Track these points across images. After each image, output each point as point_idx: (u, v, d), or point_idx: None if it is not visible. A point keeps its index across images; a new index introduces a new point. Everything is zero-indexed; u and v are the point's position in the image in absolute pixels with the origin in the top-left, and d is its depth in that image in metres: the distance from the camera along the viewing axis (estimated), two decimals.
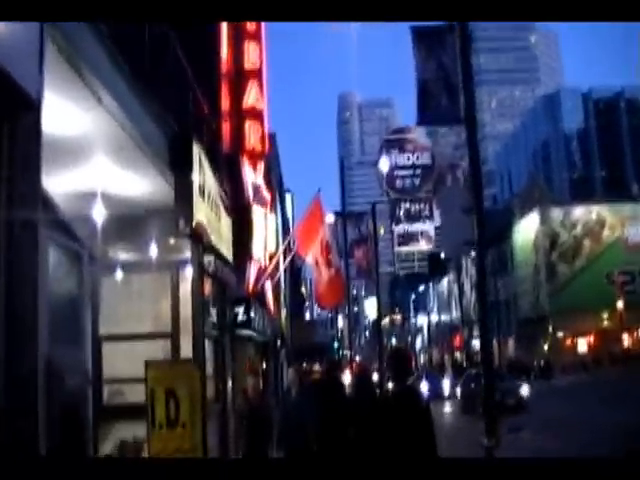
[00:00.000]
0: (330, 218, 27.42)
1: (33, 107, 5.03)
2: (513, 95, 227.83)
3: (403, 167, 31.33)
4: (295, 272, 54.13)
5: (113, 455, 10.36)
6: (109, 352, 11.91)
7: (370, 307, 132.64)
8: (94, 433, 9.90)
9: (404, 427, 6.12)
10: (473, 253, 53.20)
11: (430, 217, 49.63)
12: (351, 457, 8.42)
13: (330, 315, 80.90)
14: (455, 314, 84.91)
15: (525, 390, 31.26)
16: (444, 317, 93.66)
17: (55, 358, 5.36)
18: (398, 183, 30.92)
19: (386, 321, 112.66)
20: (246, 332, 16.93)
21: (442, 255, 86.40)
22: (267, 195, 19.80)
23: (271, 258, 19.86)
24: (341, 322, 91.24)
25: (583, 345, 60.28)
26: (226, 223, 13.59)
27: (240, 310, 15.66)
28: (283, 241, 27.78)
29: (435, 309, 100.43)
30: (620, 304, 55.64)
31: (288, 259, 26.04)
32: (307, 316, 73.29)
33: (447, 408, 38.04)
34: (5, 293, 4.79)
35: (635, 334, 58.75)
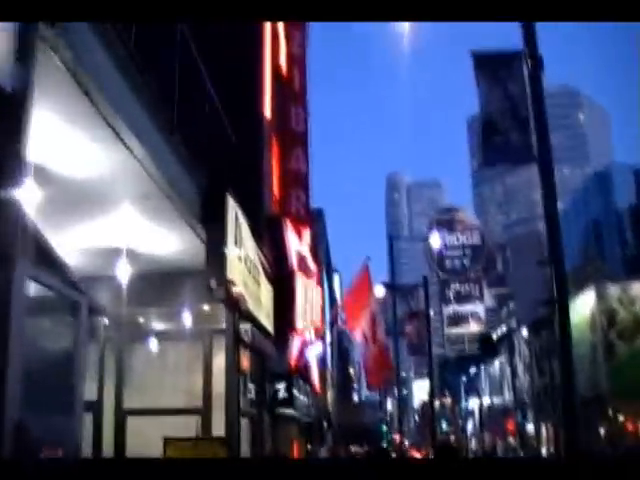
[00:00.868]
0: (379, 291, 26.23)
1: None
2: (562, 174, 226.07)
3: (453, 247, 30.28)
4: (343, 352, 52.67)
5: None
6: (136, 428, 10.78)
7: (419, 389, 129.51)
8: None
9: None
10: (525, 332, 51.04)
11: (480, 298, 48.33)
12: None
13: (379, 398, 78.70)
14: (508, 397, 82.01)
15: None
16: (496, 400, 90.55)
17: (31, 426, 4.30)
18: (448, 264, 29.89)
19: (436, 404, 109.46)
20: (288, 411, 15.64)
21: (494, 336, 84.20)
22: (313, 266, 18.77)
23: (317, 332, 18.69)
24: (390, 405, 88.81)
25: None
26: (266, 290, 12.56)
27: (281, 387, 14.43)
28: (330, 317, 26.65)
29: (487, 392, 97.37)
30: None
31: (335, 334, 24.81)
32: (355, 398, 71.23)
33: None
34: None
35: None
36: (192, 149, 8.94)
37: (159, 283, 10.15)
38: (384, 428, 65.69)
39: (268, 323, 12.50)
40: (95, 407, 10.72)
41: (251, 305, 10.69)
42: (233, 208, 9.34)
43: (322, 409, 26.89)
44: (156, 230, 8.68)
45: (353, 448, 39.61)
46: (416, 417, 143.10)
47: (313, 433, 24.18)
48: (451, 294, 45.90)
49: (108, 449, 10.53)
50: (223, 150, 11.14)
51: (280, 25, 17.20)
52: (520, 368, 77.15)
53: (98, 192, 7.47)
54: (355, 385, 74.82)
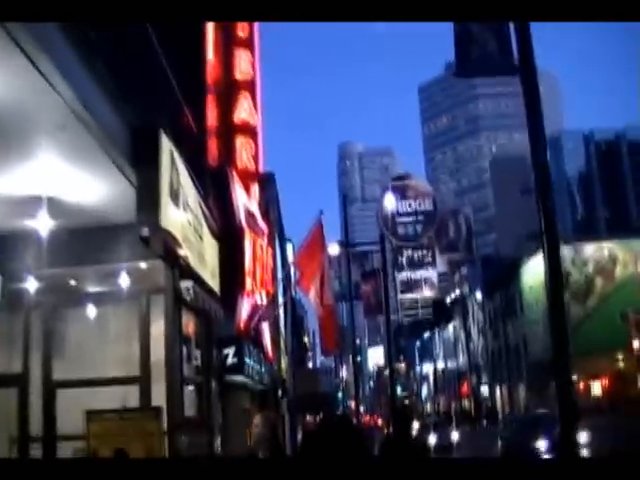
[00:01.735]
0: (334, 249, 25.17)
1: None
2: (513, 139, 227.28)
3: (405, 214, 29.70)
4: (298, 320, 51.81)
5: None
6: (69, 401, 9.64)
7: (374, 356, 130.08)
8: None
9: None
10: (479, 296, 51.30)
11: (433, 264, 48.22)
12: None
13: (334, 365, 78.43)
14: (462, 360, 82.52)
15: None
16: (450, 364, 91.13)
17: None
18: (400, 230, 29.25)
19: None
20: (238, 378, 14.60)
21: (447, 300, 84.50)
22: (263, 225, 17.67)
23: (268, 295, 17.60)
24: (344, 372, 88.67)
25: (597, 388, 57.73)
26: (211, 247, 11.46)
27: (230, 352, 13.36)
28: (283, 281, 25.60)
29: (441, 356, 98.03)
30: (636, 344, 53.20)
31: (289, 299, 23.80)
32: (310, 365, 70.57)
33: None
34: None
35: None
36: (122, 81, 7.77)
37: (89, 239, 8.99)
38: (340, 395, 65.35)
39: (214, 283, 11.42)
40: (20, 380, 9.59)
41: (193, 261, 9.60)
42: (169, 148, 8.20)
43: (276, 377, 25.95)
44: (79, 173, 7.50)
45: (308, 417, 38.90)
46: (371, 383, 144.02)
47: (267, 402, 23.23)
48: (404, 260, 45.61)
49: (36, 426, 9.44)
50: (160, 90, 9.99)
51: None
52: (474, 331, 77.54)
53: (4, 126, 6.31)
54: (310, 353, 74.31)
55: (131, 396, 9.41)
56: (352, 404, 58.80)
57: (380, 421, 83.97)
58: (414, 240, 31.73)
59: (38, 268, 8.41)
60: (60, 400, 9.61)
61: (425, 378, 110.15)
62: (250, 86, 15.72)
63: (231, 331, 13.74)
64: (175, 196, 8.38)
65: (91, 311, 9.69)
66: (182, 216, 8.76)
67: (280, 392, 28.08)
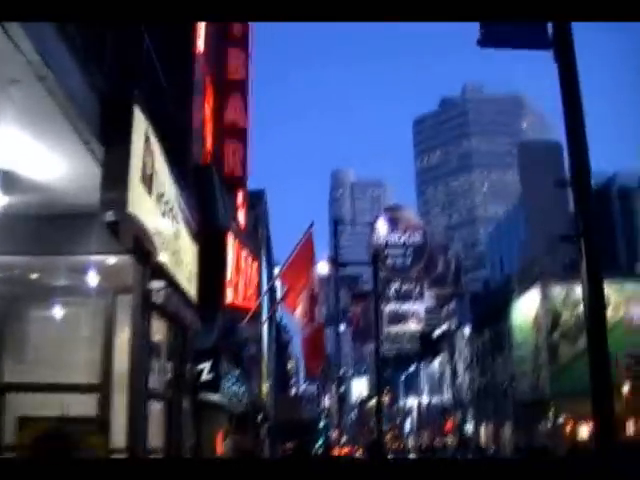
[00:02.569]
0: (323, 268, 24.15)
1: None
2: (505, 179, 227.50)
3: (395, 246, 29.09)
4: (283, 345, 50.64)
5: None
6: (22, 407, 8.54)
7: (358, 387, 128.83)
8: None
9: None
10: (467, 331, 50.39)
11: (420, 297, 47.44)
12: None
13: (317, 392, 77.20)
14: (447, 396, 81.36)
15: None
16: (435, 399, 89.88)
17: None
18: (389, 262, 28.62)
19: (374, 402, 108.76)
20: (214, 397, 13.50)
21: (434, 335, 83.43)
22: (249, 240, 16.69)
23: (250, 311, 16.52)
24: (327, 400, 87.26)
25: (584, 431, 56.57)
26: (189, 248, 10.46)
27: (206, 367, 12.28)
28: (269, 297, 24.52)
29: (426, 391, 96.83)
30: (625, 389, 52.21)
31: (274, 322, 22.74)
32: (293, 392, 69.14)
33: None
34: None
35: None
36: (93, 43, 6.82)
37: (48, 226, 7.98)
38: (322, 424, 63.90)
39: (190, 288, 10.41)
40: None
41: (167, 259, 8.61)
42: (144, 126, 7.24)
43: (257, 401, 24.83)
44: (37, 144, 6.51)
45: (288, 444, 37.65)
46: (352, 415, 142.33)
47: (247, 426, 22.07)
48: (391, 292, 44.80)
49: None
50: (140, 64, 9.03)
51: None
52: (461, 367, 76.34)
53: None
54: (293, 379, 73.05)
55: (88, 406, 8.37)
56: (334, 434, 57.57)
57: (360, 452, 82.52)
58: (402, 272, 31.39)
59: None
60: (9, 406, 8.54)
61: (409, 412, 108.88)
62: (240, 85, 14.80)
63: (208, 344, 12.67)
64: (148, 182, 7.39)
65: (49, 308, 8.67)
66: (154, 206, 7.77)
67: (261, 416, 26.94)
